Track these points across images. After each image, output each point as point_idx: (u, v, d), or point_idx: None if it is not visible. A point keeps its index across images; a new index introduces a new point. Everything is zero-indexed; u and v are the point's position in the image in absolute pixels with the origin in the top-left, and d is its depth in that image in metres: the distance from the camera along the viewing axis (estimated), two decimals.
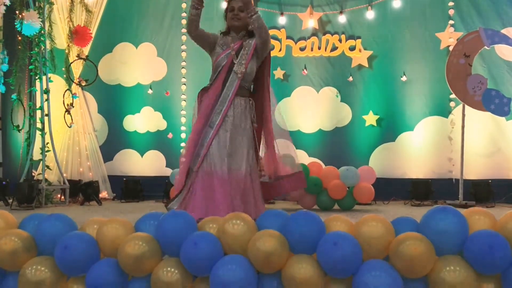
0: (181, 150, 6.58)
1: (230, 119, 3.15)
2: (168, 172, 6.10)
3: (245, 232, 1.98)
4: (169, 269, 1.99)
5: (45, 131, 5.62)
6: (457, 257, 1.88)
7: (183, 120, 6.62)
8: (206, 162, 3.08)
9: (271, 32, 6.43)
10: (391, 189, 6.00)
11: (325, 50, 6.44)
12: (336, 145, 6.40)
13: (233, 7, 3.29)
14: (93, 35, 6.28)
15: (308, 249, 1.93)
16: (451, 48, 5.81)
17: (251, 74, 3.26)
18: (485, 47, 5.39)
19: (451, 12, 6.21)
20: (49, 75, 5.78)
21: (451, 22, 6.21)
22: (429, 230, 1.88)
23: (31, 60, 5.62)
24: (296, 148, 6.33)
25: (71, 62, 6.21)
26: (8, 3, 5.37)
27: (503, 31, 5.80)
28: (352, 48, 6.39)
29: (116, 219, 2.18)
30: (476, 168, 6.09)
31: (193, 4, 3.19)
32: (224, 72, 3.18)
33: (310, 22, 6.43)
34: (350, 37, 6.41)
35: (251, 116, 3.25)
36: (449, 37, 6.17)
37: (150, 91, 6.63)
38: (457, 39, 5.91)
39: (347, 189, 5.21)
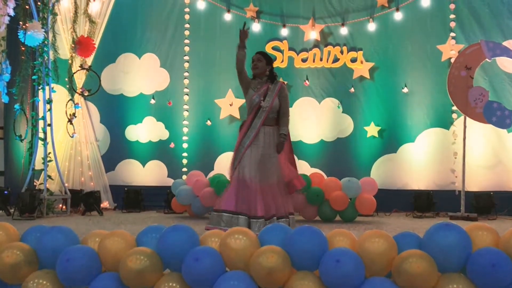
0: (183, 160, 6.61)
1: (261, 144, 4.10)
2: (169, 182, 6.09)
3: (247, 247, 1.97)
4: (170, 284, 1.97)
5: (47, 141, 5.63)
6: (459, 274, 1.87)
7: (185, 130, 6.63)
8: (237, 171, 4.05)
9: (273, 44, 6.49)
10: (393, 200, 6.00)
11: (327, 61, 6.46)
12: (337, 156, 6.40)
13: (253, 59, 4.26)
14: (96, 45, 6.32)
15: (311, 266, 1.92)
16: (452, 60, 5.83)
17: (276, 107, 4.23)
18: (487, 59, 5.40)
19: (452, 24, 6.25)
20: (52, 85, 5.81)
21: (452, 34, 6.24)
22: (432, 246, 1.87)
23: (34, 70, 5.65)
24: (298, 159, 6.37)
25: (74, 72, 6.24)
26: (12, 13, 5.41)
27: (505, 43, 5.82)
28: (353, 60, 6.42)
29: (118, 232, 2.16)
30: (478, 180, 6.08)
31: (240, 46, 4.10)
32: (256, 108, 4.16)
33: (312, 34, 6.46)
34: (351, 48, 6.44)
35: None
36: (450, 49, 6.19)
37: (152, 101, 6.65)
38: (458, 51, 5.94)
39: (349, 200, 5.20)
